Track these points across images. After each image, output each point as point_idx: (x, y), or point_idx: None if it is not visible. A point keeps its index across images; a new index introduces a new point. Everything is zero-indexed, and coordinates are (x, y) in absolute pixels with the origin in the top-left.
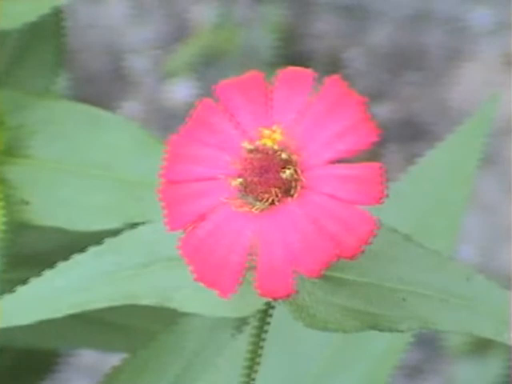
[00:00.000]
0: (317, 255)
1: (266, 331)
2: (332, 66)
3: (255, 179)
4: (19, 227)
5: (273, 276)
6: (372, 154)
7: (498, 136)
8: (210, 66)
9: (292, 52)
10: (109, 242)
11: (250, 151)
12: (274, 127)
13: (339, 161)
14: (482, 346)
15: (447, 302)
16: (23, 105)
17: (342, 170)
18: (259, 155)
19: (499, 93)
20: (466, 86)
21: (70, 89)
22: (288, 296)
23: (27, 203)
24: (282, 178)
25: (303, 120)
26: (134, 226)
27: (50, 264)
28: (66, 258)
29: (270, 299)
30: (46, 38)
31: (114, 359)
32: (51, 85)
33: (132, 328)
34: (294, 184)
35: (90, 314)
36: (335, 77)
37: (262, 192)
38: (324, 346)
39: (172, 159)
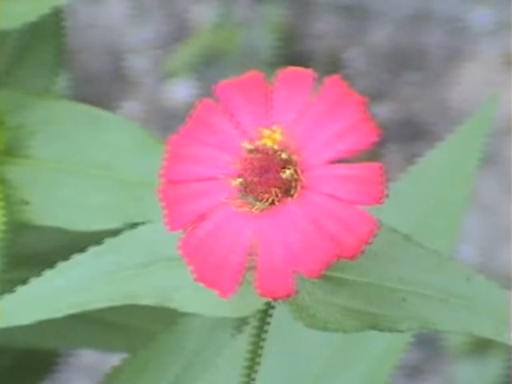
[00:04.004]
0: (317, 255)
1: (266, 331)
2: (332, 65)
3: (255, 179)
4: (19, 227)
5: (273, 276)
6: (372, 154)
7: (498, 136)
8: (210, 66)
9: (292, 52)
10: (109, 242)
11: (250, 151)
12: (274, 127)
13: (339, 161)
14: (482, 346)
15: (447, 302)
16: (23, 105)
17: (342, 169)
18: (259, 155)
19: (499, 93)
20: (466, 86)
21: (70, 89)
22: (288, 296)
23: (27, 203)
24: (281, 178)
25: (303, 120)
26: (134, 226)
27: (50, 264)
28: (66, 258)
29: (270, 299)
30: (46, 38)
31: (114, 359)
32: (51, 85)
33: (132, 328)
34: (294, 184)
35: (90, 314)
36: (335, 77)
37: (262, 192)
38: (324, 346)
39: (172, 159)
